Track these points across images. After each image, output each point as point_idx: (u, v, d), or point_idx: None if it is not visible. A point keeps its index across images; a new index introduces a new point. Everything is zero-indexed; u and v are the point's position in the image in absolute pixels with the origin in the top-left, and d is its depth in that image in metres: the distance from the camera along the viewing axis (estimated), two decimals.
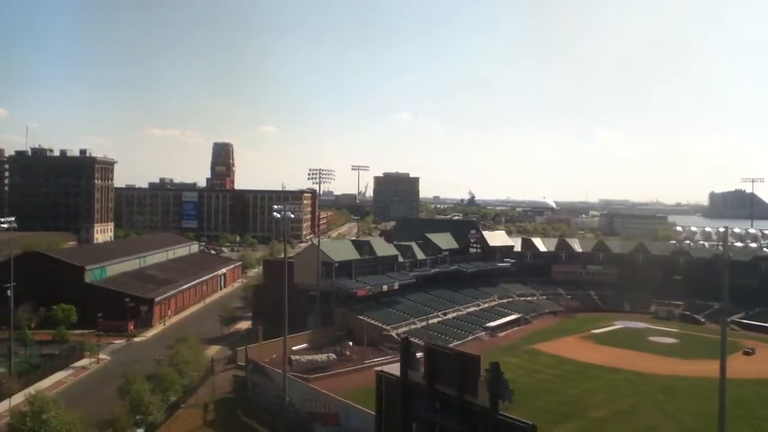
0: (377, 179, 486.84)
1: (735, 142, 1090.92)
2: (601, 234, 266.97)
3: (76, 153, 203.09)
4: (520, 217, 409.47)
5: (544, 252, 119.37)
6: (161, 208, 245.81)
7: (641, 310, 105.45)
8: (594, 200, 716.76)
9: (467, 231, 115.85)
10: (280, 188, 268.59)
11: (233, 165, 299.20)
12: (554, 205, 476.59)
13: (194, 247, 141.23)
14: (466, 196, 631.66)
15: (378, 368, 41.06)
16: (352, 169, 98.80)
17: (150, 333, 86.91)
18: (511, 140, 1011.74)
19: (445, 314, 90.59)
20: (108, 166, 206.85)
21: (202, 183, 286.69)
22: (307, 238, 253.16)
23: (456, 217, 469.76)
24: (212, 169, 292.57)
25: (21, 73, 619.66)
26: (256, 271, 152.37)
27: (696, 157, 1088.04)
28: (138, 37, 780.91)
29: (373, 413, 41.26)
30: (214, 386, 58.26)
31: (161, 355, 61.87)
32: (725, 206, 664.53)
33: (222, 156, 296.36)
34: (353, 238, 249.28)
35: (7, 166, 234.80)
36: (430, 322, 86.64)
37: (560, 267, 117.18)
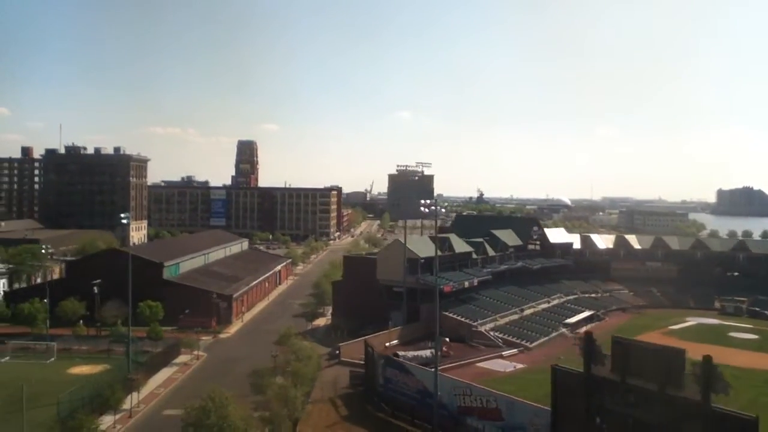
0: (391, 177, 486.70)
1: (735, 140, 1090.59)
2: (626, 231, 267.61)
3: (110, 151, 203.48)
4: (536, 215, 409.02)
5: (602, 249, 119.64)
6: (189, 206, 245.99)
7: (705, 306, 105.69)
8: (597, 198, 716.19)
9: (529, 227, 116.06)
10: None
11: (257, 163, 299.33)
12: (569, 203, 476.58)
13: (245, 245, 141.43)
14: (471, 194, 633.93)
15: (553, 363, 41.16)
16: (416, 164, 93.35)
17: (232, 329, 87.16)
18: (511, 139, 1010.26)
19: (522, 310, 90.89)
20: (142, 164, 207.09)
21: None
22: (335, 235, 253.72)
23: (471, 214, 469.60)
24: (236, 167, 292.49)
25: (21, 72, 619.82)
26: (301, 268, 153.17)
27: (696, 155, 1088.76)
28: (138, 36, 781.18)
29: (541, 407, 41.59)
30: (336, 381, 58.42)
31: (277, 350, 62.11)
32: (733, 203, 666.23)
33: (246, 154, 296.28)
34: (379, 236, 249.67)
35: (36, 165, 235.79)
36: (511, 318, 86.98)
37: (619, 264, 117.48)
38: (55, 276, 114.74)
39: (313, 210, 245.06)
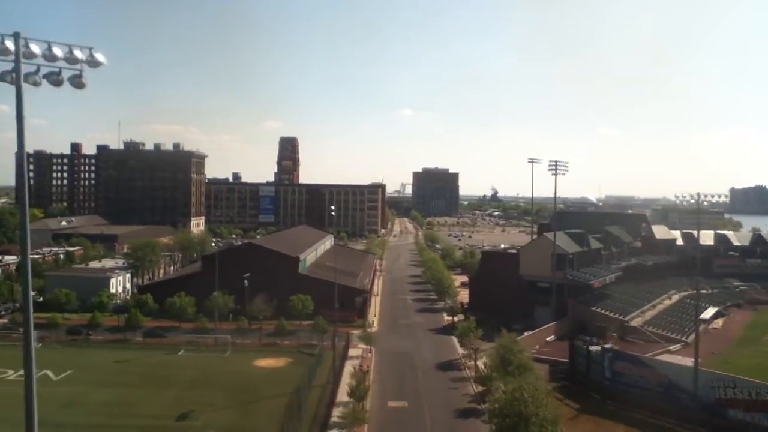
0: (416, 174, 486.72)
1: (741, 139, 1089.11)
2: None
3: (170, 147, 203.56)
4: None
5: (704, 245, 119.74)
6: (237, 203, 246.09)
7: None
8: (602, 197, 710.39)
9: (633, 224, 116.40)
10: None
11: (299, 159, 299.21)
12: (595, 201, 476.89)
13: (332, 240, 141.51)
14: (484, 192, 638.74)
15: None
16: (528, 161, 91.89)
17: (374, 323, 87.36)
18: (513, 138, 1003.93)
19: (654, 306, 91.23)
20: (200, 160, 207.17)
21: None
22: (382, 231, 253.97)
23: (495, 213, 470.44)
24: (278, 163, 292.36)
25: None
26: (377, 264, 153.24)
27: (701, 154, 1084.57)
28: (140, 34, 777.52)
29: None
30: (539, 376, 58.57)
31: (476, 345, 62.54)
32: (746, 202, 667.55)
33: (288, 150, 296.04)
34: (418, 234, 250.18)
35: (85, 161, 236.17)
36: (650, 313, 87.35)
37: (721, 260, 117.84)
38: (161, 272, 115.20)
39: (361, 207, 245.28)
